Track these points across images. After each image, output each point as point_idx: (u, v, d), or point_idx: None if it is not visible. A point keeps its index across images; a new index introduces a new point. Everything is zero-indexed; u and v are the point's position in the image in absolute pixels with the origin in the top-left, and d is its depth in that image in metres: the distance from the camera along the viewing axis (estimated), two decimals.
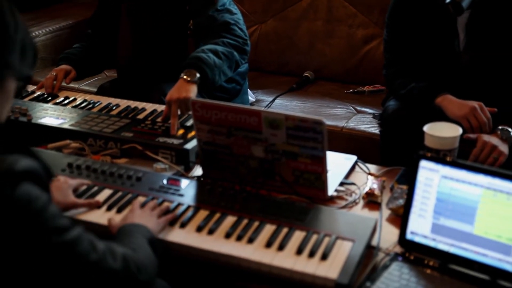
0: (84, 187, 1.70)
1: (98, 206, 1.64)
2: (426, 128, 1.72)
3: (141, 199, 1.66)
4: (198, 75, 2.13)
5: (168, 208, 1.60)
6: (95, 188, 1.71)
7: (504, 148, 2.01)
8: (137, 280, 1.24)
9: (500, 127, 2.06)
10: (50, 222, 1.11)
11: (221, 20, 2.36)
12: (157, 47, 2.52)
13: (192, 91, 2.09)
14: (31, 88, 2.47)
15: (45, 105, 2.24)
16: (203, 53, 2.20)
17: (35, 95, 2.40)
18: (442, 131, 1.71)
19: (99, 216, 1.61)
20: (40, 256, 1.10)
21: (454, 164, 1.41)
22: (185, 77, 2.12)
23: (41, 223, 1.10)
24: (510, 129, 2.04)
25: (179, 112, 2.05)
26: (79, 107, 2.26)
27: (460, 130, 1.72)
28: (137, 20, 2.52)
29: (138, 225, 1.45)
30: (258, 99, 3.03)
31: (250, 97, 2.89)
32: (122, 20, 2.55)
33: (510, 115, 2.10)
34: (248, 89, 2.82)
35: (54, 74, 2.42)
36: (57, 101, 2.33)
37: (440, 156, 1.68)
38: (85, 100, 2.33)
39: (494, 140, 2.01)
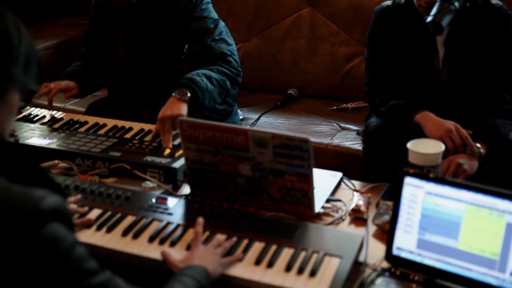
0: (76, 216, 1.69)
1: (90, 223, 1.65)
2: (409, 144, 1.76)
3: (130, 219, 1.67)
4: (189, 94, 2.17)
5: (232, 244, 1.55)
6: (86, 209, 1.72)
7: (468, 165, 2.05)
8: None
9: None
10: (77, 265, 1.06)
11: (218, 50, 2.41)
12: (151, 67, 2.55)
13: (184, 109, 2.13)
14: (22, 109, 2.47)
15: (32, 125, 2.25)
16: (197, 76, 2.25)
17: (21, 115, 2.41)
18: (425, 148, 1.74)
19: (89, 236, 1.62)
20: None
21: (438, 180, 1.45)
22: (176, 95, 2.16)
23: (67, 265, 1.04)
24: (479, 145, 2.09)
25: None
26: (66, 127, 2.27)
27: (443, 147, 1.76)
28: (134, 39, 2.55)
29: (195, 267, 1.40)
30: (244, 117, 3.06)
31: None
32: (119, 37, 2.57)
33: (483, 131, 2.14)
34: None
35: (52, 85, 2.43)
36: (44, 121, 2.34)
37: (423, 172, 1.71)
38: (72, 120, 2.34)
39: (460, 158, 2.06)
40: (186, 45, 2.48)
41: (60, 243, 1.03)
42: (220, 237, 1.58)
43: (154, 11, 2.48)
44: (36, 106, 2.65)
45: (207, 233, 1.61)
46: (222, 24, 2.52)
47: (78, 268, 1.05)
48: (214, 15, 2.52)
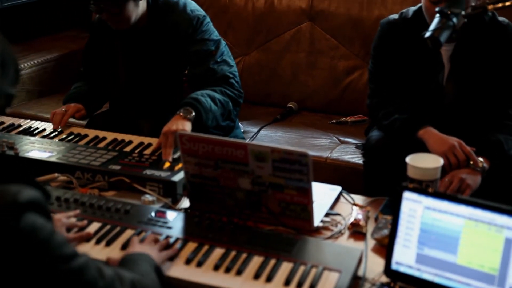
0: (75, 230, 1.69)
1: (89, 237, 1.65)
2: (408, 159, 1.76)
3: (129, 232, 1.67)
4: (193, 113, 2.21)
5: (168, 242, 1.60)
6: (84, 222, 1.72)
7: (472, 180, 2.05)
8: None
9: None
10: (57, 251, 1.12)
11: (220, 73, 2.44)
12: (151, 86, 2.55)
13: (188, 126, 2.18)
14: (23, 122, 2.48)
15: (32, 138, 2.26)
16: (202, 96, 2.28)
17: (22, 128, 2.42)
18: (424, 162, 1.75)
19: (89, 250, 1.61)
20: (49, 285, 1.11)
21: (436, 195, 1.45)
22: (181, 113, 2.20)
23: (47, 252, 1.11)
24: (482, 159, 2.09)
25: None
26: (66, 140, 2.28)
27: (441, 161, 1.76)
28: (133, 60, 2.54)
29: (142, 254, 1.47)
30: (244, 130, 3.07)
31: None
32: (117, 57, 2.56)
33: (487, 146, 2.15)
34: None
35: (64, 110, 2.41)
36: (44, 134, 2.35)
37: (422, 187, 1.72)
38: (72, 133, 2.34)
39: (463, 172, 2.06)
40: (188, 67, 2.49)
41: (39, 232, 1.10)
42: (156, 236, 1.61)
43: (154, 33, 2.48)
44: (37, 119, 2.67)
45: (206, 247, 1.61)
46: (223, 44, 2.53)
47: (58, 254, 1.12)
48: (215, 35, 2.53)
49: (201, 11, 2.53)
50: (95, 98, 2.60)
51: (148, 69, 2.53)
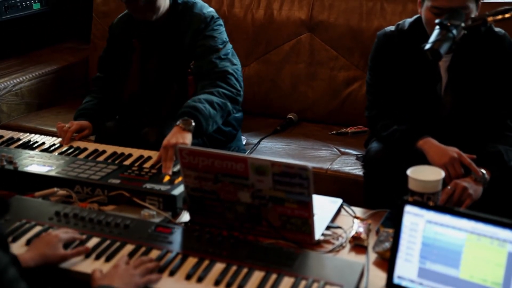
0: (77, 242, 1.69)
1: (87, 252, 1.64)
2: (409, 171, 1.76)
3: (129, 247, 1.67)
4: (193, 123, 2.21)
5: (156, 266, 1.57)
6: (83, 237, 1.71)
7: (473, 190, 2.05)
8: None
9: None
10: (8, 286, 1.10)
11: (221, 68, 2.46)
12: (161, 88, 2.60)
13: (188, 139, 2.17)
14: (22, 135, 2.47)
15: (31, 152, 2.25)
16: (200, 103, 2.28)
17: (21, 142, 2.41)
18: (425, 175, 1.74)
19: (88, 266, 1.61)
20: None
21: (438, 209, 1.44)
22: (181, 125, 2.19)
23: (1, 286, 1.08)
24: (484, 171, 2.09)
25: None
26: (66, 153, 2.27)
27: (442, 174, 1.76)
28: (148, 60, 2.61)
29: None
30: (245, 142, 3.06)
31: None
32: (134, 59, 2.63)
33: (487, 157, 2.14)
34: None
35: (68, 126, 2.41)
36: (43, 148, 2.34)
37: (424, 199, 1.71)
38: (71, 146, 2.34)
39: (465, 182, 2.05)
40: (193, 61, 2.53)
41: None
42: (145, 258, 1.59)
43: (170, 31, 2.54)
44: (36, 132, 2.67)
45: (206, 262, 1.60)
46: (230, 46, 2.59)
47: None
48: (224, 37, 2.58)
49: (216, 14, 2.60)
50: (105, 109, 2.62)
51: (160, 66, 2.58)
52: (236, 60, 2.57)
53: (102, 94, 2.65)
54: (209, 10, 2.59)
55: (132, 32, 2.62)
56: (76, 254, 1.63)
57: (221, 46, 2.51)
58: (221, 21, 2.61)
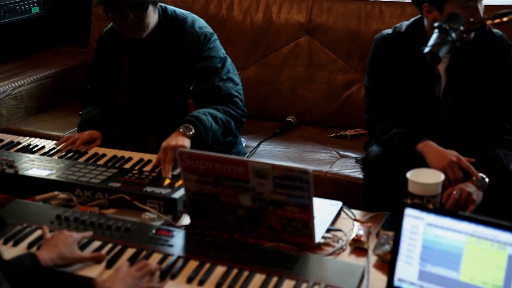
0: (85, 240, 1.70)
1: (103, 259, 1.64)
2: (409, 174, 1.76)
3: (130, 251, 1.67)
4: (193, 131, 2.22)
5: (158, 269, 1.58)
6: (85, 240, 1.71)
7: (477, 196, 2.05)
8: None
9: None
10: None
11: (226, 91, 2.45)
12: (156, 102, 2.55)
13: (187, 143, 2.18)
14: (22, 139, 2.47)
15: (32, 156, 2.25)
16: (204, 115, 2.30)
17: (20, 146, 2.41)
18: (425, 178, 1.75)
19: (90, 270, 1.61)
20: None
21: (438, 212, 1.45)
22: (181, 130, 2.21)
23: None
24: (485, 176, 2.09)
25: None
26: (66, 157, 2.27)
27: (442, 177, 1.76)
28: (139, 75, 2.55)
29: None
30: (244, 145, 3.06)
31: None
32: (123, 72, 2.57)
33: (486, 162, 2.15)
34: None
35: (77, 137, 2.37)
36: (43, 151, 2.34)
37: (423, 202, 1.72)
38: (70, 150, 2.34)
39: (471, 187, 2.06)
40: (193, 83, 2.49)
41: None
42: (146, 262, 1.58)
43: (161, 47, 2.50)
44: (36, 135, 2.66)
45: (207, 265, 1.61)
46: (229, 61, 2.55)
47: None
48: (221, 53, 2.55)
49: (208, 28, 2.56)
50: (106, 119, 2.57)
51: (154, 83, 2.54)
52: (237, 78, 2.56)
53: (97, 106, 2.60)
54: (201, 25, 2.53)
55: (121, 47, 2.55)
56: (93, 259, 1.64)
57: (220, 65, 2.49)
58: (215, 36, 2.56)
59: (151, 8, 2.37)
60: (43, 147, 2.39)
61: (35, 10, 3.88)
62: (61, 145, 2.36)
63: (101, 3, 2.37)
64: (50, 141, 2.45)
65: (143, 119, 2.59)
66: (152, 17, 2.41)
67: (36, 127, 3.27)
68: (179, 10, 2.56)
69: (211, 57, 2.49)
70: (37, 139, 2.48)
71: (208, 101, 2.42)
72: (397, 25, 2.38)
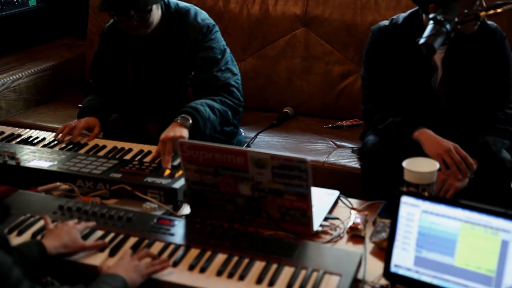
0: (87, 230, 1.74)
1: (105, 246, 1.68)
2: (405, 163, 1.80)
3: (133, 240, 1.70)
4: (190, 121, 2.25)
5: (159, 259, 1.61)
6: (87, 230, 1.75)
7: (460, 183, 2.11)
8: None
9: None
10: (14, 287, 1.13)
11: (223, 80, 2.48)
12: (158, 92, 2.60)
13: (185, 133, 2.21)
14: (22, 131, 2.50)
15: (33, 148, 2.28)
16: (201, 105, 2.32)
17: (21, 138, 2.44)
18: (420, 167, 1.78)
19: (93, 258, 1.64)
20: None
21: (433, 199, 1.49)
22: (179, 121, 2.24)
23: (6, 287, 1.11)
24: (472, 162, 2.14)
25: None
26: (67, 149, 2.30)
27: (437, 165, 1.80)
28: (142, 67, 2.60)
29: (115, 276, 1.48)
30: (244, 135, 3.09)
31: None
32: (127, 65, 2.62)
33: (474, 148, 2.19)
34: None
35: (74, 125, 2.41)
36: (44, 143, 2.37)
37: (419, 190, 1.76)
38: (71, 142, 2.36)
39: (456, 181, 2.11)
40: (193, 72, 2.54)
41: None
42: (147, 250, 1.62)
43: (165, 40, 2.53)
44: (35, 128, 2.69)
45: (208, 253, 1.64)
46: (228, 53, 2.59)
47: None
48: (222, 44, 2.59)
49: (211, 20, 2.60)
50: (107, 108, 2.62)
51: (157, 75, 2.58)
52: (235, 68, 2.59)
53: (100, 96, 2.63)
54: (203, 17, 2.57)
55: (125, 42, 2.58)
56: (95, 247, 1.67)
57: (220, 57, 2.53)
58: (216, 28, 2.60)
59: (154, 7, 2.40)
60: (44, 139, 2.42)
61: (33, 3, 3.89)
62: (60, 135, 2.39)
63: (106, 10, 2.38)
64: (50, 133, 2.47)
65: (145, 107, 2.63)
66: (156, 14, 2.44)
67: (35, 120, 3.29)
68: (182, 3, 2.59)
69: (212, 48, 2.52)
70: (37, 131, 2.51)
71: (206, 90, 2.46)
72: (394, 16, 2.41)
